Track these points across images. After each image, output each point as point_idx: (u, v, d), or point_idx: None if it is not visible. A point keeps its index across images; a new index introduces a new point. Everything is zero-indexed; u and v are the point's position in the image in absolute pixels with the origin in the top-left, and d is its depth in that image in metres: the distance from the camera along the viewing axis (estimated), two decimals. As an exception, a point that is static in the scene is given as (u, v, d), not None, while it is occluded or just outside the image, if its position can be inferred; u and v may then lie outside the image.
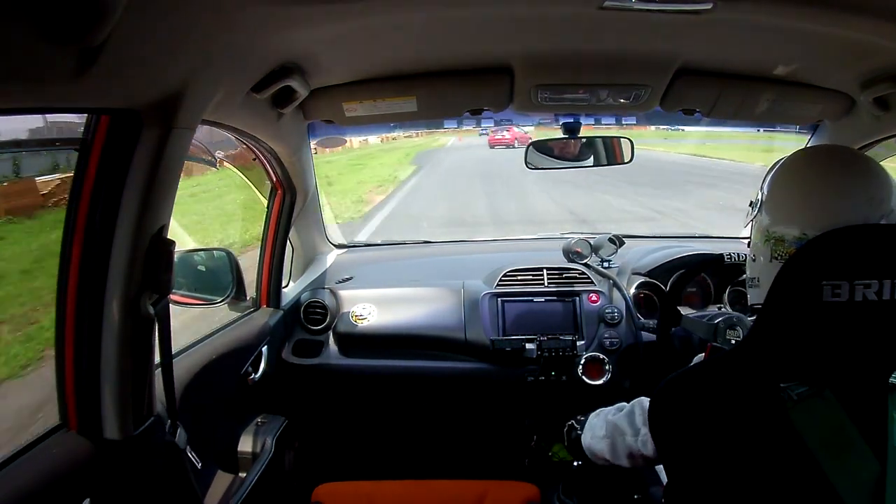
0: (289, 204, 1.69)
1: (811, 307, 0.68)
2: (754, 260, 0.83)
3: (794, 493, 0.68)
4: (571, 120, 1.63)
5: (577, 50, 1.21)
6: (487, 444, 1.90)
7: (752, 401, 0.71)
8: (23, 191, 3.38)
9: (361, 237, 6.06)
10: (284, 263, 1.75)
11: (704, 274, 1.80)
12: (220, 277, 1.50)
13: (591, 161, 1.71)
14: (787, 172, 0.80)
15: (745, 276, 0.89)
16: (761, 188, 0.82)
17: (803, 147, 1.70)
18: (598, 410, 1.11)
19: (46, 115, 0.78)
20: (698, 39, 1.15)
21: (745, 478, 0.71)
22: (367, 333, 1.76)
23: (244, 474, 1.36)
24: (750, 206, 0.86)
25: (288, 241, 1.75)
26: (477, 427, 1.91)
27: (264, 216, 1.69)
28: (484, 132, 17.58)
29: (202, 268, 1.49)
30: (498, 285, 1.79)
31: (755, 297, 0.84)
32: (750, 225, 0.86)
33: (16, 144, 1.41)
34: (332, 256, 2.10)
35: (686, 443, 0.77)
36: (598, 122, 2.11)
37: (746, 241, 0.88)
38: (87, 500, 0.88)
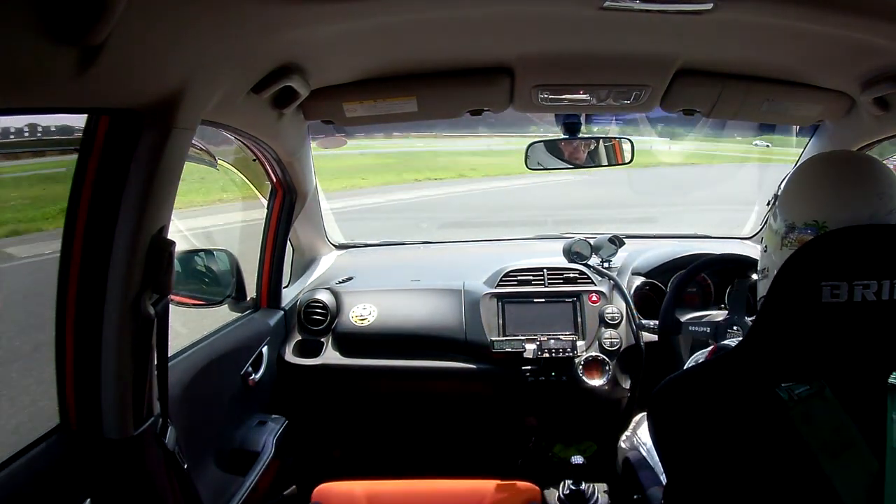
0: (289, 204, 1.69)
1: (810, 308, 0.68)
2: (766, 250, 0.86)
3: (794, 493, 0.68)
4: (571, 120, 1.63)
5: (578, 50, 1.21)
6: (488, 445, 1.90)
7: (752, 401, 0.71)
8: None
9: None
10: (284, 263, 1.75)
11: (704, 274, 1.80)
12: (220, 277, 1.49)
13: (591, 161, 1.72)
14: (802, 170, 0.84)
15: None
16: (778, 187, 0.86)
17: (807, 148, 1.73)
18: None
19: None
20: (698, 39, 1.15)
21: (745, 477, 0.71)
22: (368, 333, 1.75)
23: (244, 474, 1.36)
24: (767, 204, 0.90)
25: (288, 242, 1.75)
26: (477, 427, 1.91)
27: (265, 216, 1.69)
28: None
29: (202, 268, 1.49)
30: (498, 285, 1.79)
31: (764, 288, 0.86)
32: (763, 221, 0.88)
33: (16, 145, 1.41)
34: (332, 257, 2.09)
35: (686, 443, 0.77)
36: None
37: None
38: (88, 500, 0.88)
